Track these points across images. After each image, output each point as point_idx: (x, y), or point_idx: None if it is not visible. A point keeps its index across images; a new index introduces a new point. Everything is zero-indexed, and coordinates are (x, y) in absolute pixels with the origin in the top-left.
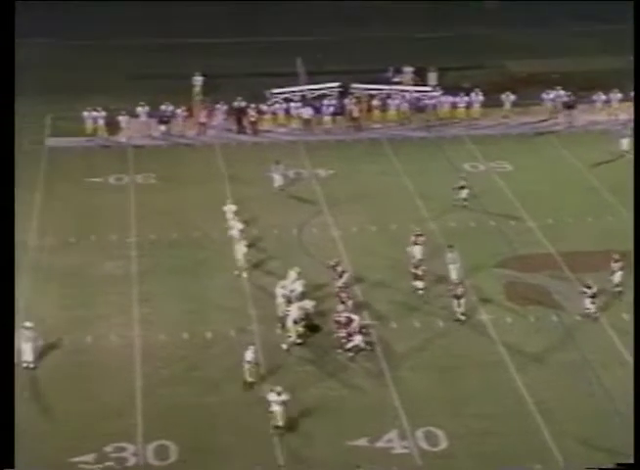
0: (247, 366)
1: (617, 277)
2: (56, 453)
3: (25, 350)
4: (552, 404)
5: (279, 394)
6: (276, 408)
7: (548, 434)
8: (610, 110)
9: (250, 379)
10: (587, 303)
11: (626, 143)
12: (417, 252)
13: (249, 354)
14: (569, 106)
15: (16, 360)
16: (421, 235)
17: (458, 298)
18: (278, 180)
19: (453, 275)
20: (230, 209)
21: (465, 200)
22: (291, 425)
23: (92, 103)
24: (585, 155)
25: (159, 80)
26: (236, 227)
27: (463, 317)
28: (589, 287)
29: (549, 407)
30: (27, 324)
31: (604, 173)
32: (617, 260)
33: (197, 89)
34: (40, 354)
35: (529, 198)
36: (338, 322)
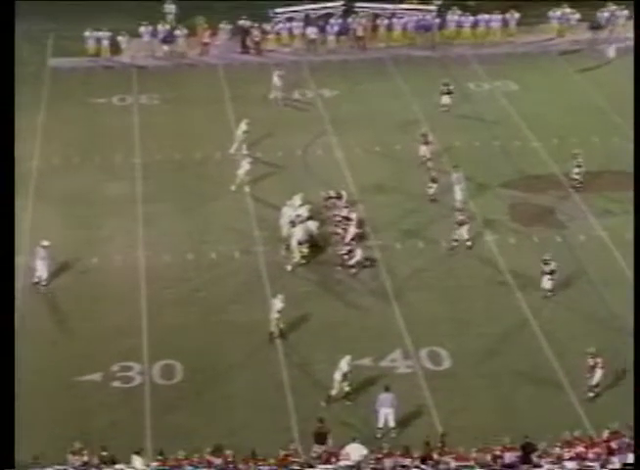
0: (275, 316)
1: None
2: (63, 372)
3: (39, 267)
4: (555, 324)
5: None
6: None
7: (551, 352)
8: (616, 28)
9: (274, 329)
10: (545, 280)
11: (612, 50)
12: (425, 151)
13: (278, 304)
14: (594, 27)
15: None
16: (426, 135)
17: (460, 224)
18: (277, 81)
19: (458, 196)
20: (242, 127)
21: (444, 105)
22: (294, 344)
23: (94, 23)
24: (591, 74)
25: None
26: (245, 144)
27: (469, 243)
28: (547, 263)
29: (552, 327)
30: (45, 243)
31: (610, 93)
32: None
33: (170, 16)
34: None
35: (535, 118)
36: (336, 233)
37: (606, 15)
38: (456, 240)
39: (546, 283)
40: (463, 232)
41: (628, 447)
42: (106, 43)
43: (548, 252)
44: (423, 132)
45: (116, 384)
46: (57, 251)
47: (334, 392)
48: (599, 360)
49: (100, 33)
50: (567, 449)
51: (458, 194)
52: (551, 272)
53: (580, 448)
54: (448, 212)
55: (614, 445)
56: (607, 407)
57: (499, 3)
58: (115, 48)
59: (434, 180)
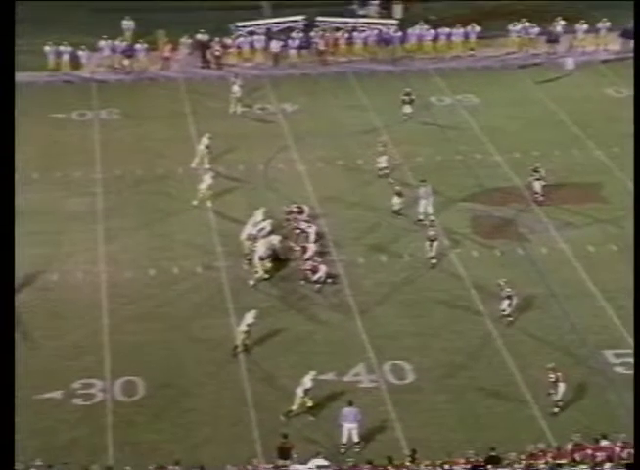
0: (244, 328)
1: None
2: (23, 390)
3: None
4: (518, 337)
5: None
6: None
7: (514, 366)
8: (575, 41)
9: (240, 343)
10: (504, 304)
11: (570, 62)
12: (383, 161)
13: (249, 318)
14: (550, 40)
15: None
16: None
17: (431, 240)
18: (237, 91)
19: (426, 210)
20: (204, 141)
21: (406, 114)
22: (258, 359)
23: (53, 37)
24: (552, 88)
25: (123, 13)
26: (207, 159)
27: (434, 261)
28: (502, 288)
29: (515, 340)
30: None
31: (570, 106)
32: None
33: (128, 34)
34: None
35: (496, 131)
36: (296, 248)
37: (558, 29)
38: (433, 257)
39: (505, 307)
40: (433, 248)
41: (592, 459)
42: (66, 57)
43: (501, 278)
44: (380, 141)
45: (78, 401)
46: (17, 267)
47: (294, 407)
48: (560, 374)
49: (61, 48)
50: (532, 461)
51: (425, 208)
52: (508, 297)
53: (548, 459)
54: (411, 227)
55: (577, 457)
56: (569, 420)
57: (460, 17)
58: (76, 63)
59: (399, 194)
